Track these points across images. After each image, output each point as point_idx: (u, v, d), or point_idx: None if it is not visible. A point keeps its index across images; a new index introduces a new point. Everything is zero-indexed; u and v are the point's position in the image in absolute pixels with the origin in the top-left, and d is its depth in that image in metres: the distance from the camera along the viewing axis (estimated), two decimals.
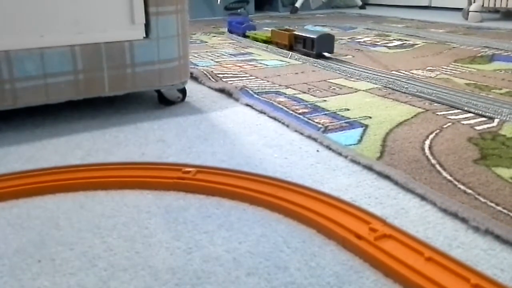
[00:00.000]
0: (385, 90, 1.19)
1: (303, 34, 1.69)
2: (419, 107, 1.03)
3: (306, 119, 0.97)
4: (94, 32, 0.93)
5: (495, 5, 2.62)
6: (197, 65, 1.53)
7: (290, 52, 1.72)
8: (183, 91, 1.12)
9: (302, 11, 3.47)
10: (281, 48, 1.80)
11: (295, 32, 1.75)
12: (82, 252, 0.54)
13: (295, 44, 1.75)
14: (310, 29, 1.84)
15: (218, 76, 1.36)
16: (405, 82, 1.25)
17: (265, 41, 1.95)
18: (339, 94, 1.16)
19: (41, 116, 1.02)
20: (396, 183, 0.69)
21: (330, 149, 0.82)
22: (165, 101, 1.10)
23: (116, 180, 0.69)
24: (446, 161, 0.75)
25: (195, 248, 0.54)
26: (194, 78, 1.36)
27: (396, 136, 0.86)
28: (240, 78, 1.33)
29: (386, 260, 0.49)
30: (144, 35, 0.98)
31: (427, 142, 0.83)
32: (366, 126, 0.92)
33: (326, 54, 1.67)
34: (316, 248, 0.54)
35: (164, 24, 0.99)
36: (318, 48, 1.63)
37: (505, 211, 0.59)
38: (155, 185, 0.68)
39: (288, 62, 1.57)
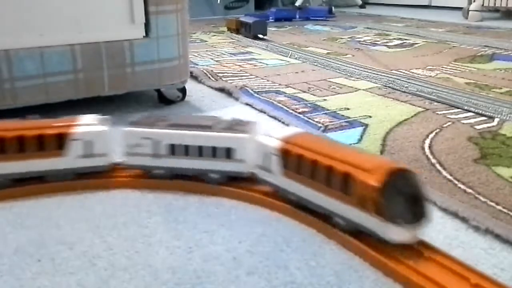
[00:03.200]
0: (385, 90, 1.19)
1: (245, 20, 2.13)
2: (419, 106, 1.03)
3: (306, 118, 0.96)
4: (94, 32, 0.93)
5: (495, 4, 2.62)
6: (197, 64, 1.53)
7: (290, 51, 1.72)
8: (183, 91, 1.12)
9: None
10: (231, 32, 2.25)
11: (240, 19, 2.19)
12: (82, 252, 0.53)
13: (241, 28, 2.17)
14: (251, 16, 2.26)
15: (218, 75, 1.36)
16: (405, 81, 1.25)
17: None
18: (339, 93, 1.16)
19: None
20: None
21: None
22: (165, 100, 1.10)
23: (116, 179, 0.69)
24: (446, 160, 0.75)
25: (195, 247, 0.54)
26: (194, 77, 1.36)
27: (396, 135, 0.86)
28: (240, 77, 1.33)
29: (386, 260, 0.49)
30: (144, 34, 0.98)
31: (427, 141, 0.83)
32: (366, 125, 0.92)
33: (260, 36, 2.06)
34: (316, 247, 0.54)
35: (164, 23, 0.99)
36: (253, 31, 2.05)
37: (505, 210, 0.59)
38: (155, 184, 0.68)
39: (288, 61, 1.57)
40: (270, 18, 2.79)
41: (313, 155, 0.55)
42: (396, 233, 0.49)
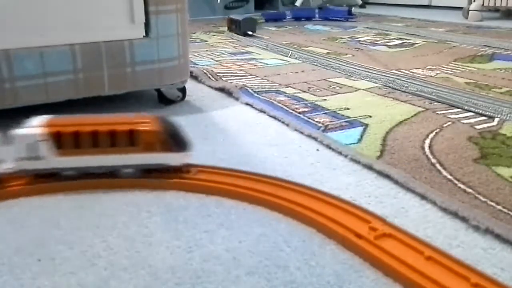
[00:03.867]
0: (385, 89, 1.19)
1: (235, 18, 2.25)
2: (419, 106, 1.03)
3: (306, 118, 0.96)
4: (94, 31, 0.93)
5: (495, 4, 2.62)
6: (197, 64, 1.53)
7: (290, 51, 1.72)
8: (183, 90, 1.12)
9: None
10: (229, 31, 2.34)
11: (231, 17, 2.31)
12: (82, 251, 0.54)
13: (231, 26, 2.28)
14: (242, 15, 2.38)
15: (218, 75, 1.36)
16: (405, 81, 1.25)
17: None
18: (339, 93, 1.16)
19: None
20: (396, 182, 0.69)
21: (330, 148, 0.82)
22: (165, 100, 1.10)
23: (116, 179, 0.69)
24: (446, 160, 0.75)
25: (195, 247, 0.54)
26: (194, 77, 1.36)
27: (396, 135, 0.86)
28: (240, 77, 1.33)
29: (386, 259, 0.49)
30: (144, 34, 0.98)
31: (427, 141, 0.83)
32: (366, 125, 0.92)
33: (249, 32, 2.17)
34: (316, 247, 0.54)
35: (164, 23, 0.99)
36: (242, 28, 2.14)
37: (505, 210, 0.59)
38: (155, 184, 0.68)
39: (288, 61, 1.57)
40: (288, 17, 2.79)
41: (90, 128, 0.65)
42: (180, 158, 0.68)
